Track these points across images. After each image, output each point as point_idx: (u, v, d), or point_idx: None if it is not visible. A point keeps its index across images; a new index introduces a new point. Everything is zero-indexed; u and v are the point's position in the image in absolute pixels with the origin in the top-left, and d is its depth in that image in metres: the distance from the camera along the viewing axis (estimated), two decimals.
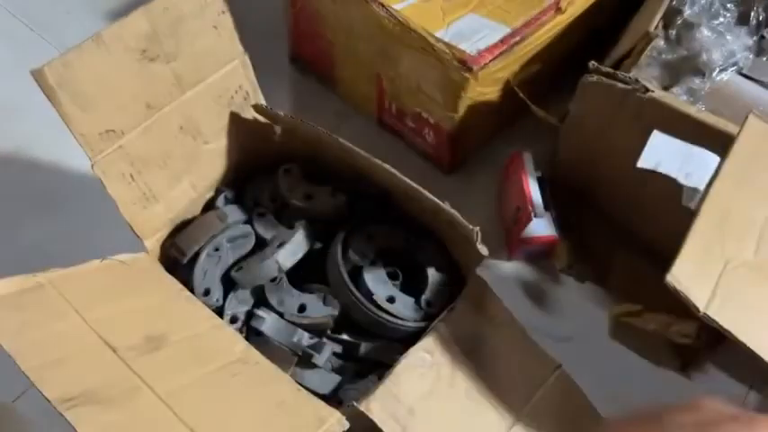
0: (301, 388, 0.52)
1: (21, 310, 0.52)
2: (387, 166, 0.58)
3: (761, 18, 0.85)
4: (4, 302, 0.52)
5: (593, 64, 0.73)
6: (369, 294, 0.61)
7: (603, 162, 0.79)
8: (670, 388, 0.75)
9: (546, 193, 0.79)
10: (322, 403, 0.51)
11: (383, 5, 0.77)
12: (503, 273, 0.83)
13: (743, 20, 0.86)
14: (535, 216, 0.75)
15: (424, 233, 0.68)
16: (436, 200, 0.57)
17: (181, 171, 0.62)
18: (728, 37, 0.83)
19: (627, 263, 0.82)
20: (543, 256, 0.83)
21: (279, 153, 0.71)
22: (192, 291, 0.60)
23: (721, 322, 0.51)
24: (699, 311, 0.51)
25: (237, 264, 0.64)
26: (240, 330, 0.59)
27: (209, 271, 0.63)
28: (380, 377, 0.55)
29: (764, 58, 0.84)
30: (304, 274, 0.65)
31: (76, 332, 0.52)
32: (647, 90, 0.69)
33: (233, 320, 0.60)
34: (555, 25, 0.81)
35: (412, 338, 0.58)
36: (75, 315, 0.53)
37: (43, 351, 0.51)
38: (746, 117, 0.60)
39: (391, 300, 0.61)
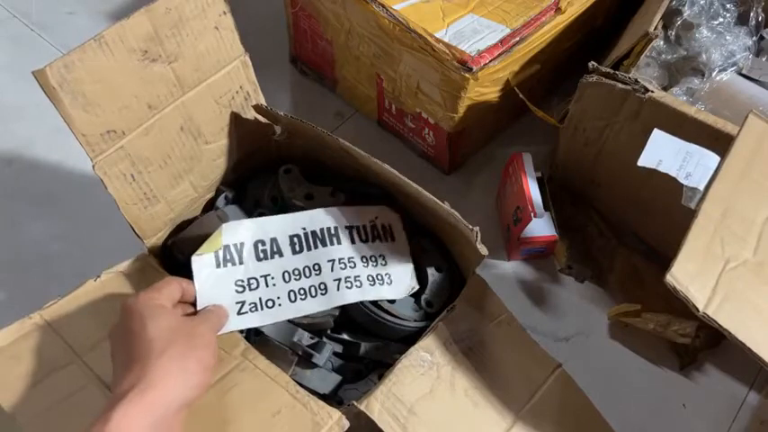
0: (301, 390, 0.52)
1: (17, 361, 0.53)
2: (387, 167, 0.59)
3: (760, 18, 0.85)
4: (1, 355, 0.53)
5: (592, 64, 0.73)
6: None
7: (603, 162, 0.79)
8: (670, 388, 0.75)
9: (546, 193, 0.79)
10: (321, 405, 0.51)
11: (383, 5, 0.77)
12: (503, 273, 0.83)
13: (742, 20, 0.86)
14: (535, 216, 0.75)
15: (423, 233, 0.68)
16: (436, 200, 0.58)
17: (181, 171, 0.62)
18: (728, 37, 0.83)
19: (627, 263, 0.82)
20: (543, 256, 0.83)
21: (279, 153, 0.71)
22: None
23: (720, 322, 0.51)
24: (698, 311, 0.51)
25: None
26: (241, 330, 0.59)
27: None
28: (380, 377, 0.55)
29: (764, 59, 0.85)
30: None
31: (73, 374, 0.53)
32: (647, 90, 0.69)
33: None
34: (555, 25, 0.81)
35: (412, 338, 0.58)
36: (72, 355, 0.54)
37: (39, 400, 0.52)
38: (746, 117, 0.60)
39: (391, 300, 0.62)
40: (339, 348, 0.61)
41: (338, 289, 0.60)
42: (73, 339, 0.55)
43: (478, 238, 0.56)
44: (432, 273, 0.65)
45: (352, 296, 0.60)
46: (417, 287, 0.63)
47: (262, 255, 0.60)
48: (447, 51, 0.74)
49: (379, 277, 0.62)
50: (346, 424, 0.51)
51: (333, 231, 0.63)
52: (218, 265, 0.58)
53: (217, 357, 0.51)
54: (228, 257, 0.59)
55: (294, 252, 0.61)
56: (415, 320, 0.61)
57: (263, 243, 0.61)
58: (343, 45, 0.88)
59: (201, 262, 0.58)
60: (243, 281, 0.59)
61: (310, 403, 0.52)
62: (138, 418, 0.43)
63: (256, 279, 0.59)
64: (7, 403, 0.51)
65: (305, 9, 0.89)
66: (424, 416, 0.53)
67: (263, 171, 0.71)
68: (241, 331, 0.59)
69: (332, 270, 0.61)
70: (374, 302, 0.61)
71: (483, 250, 0.57)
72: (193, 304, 0.56)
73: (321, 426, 0.50)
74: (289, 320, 0.60)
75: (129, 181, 0.58)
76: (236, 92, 0.63)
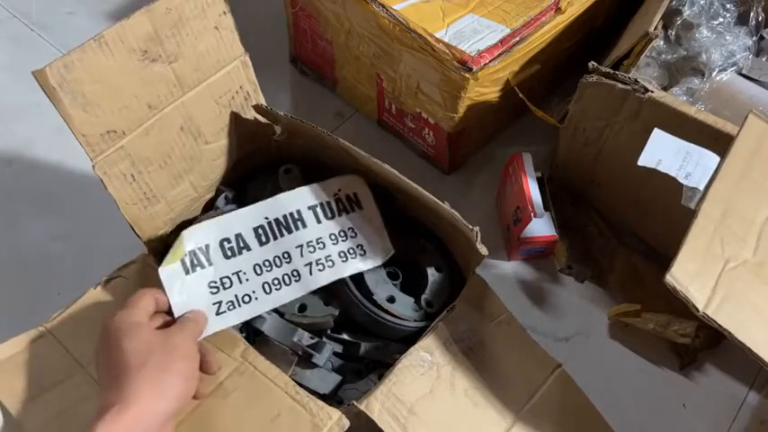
0: (300, 391, 0.52)
1: (22, 371, 0.54)
2: (387, 167, 0.59)
3: (760, 18, 0.85)
4: (6, 367, 0.54)
5: (592, 64, 0.73)
6: (369, 294, 0.61)
7: (603, 162, 0.79)
8: (670, 388, 0.75)
9: (546, 193, 0.79)
10: (320, 406, 0.52)
11: (383, 5, 0.77)
12: (503, 273, 0.83)
13: (742, 20, 0.86)
14: (535, 216, 0.75)
15: (423, 233, 0.68)
16: (436, 200, 0.58)
17: (181, 171, 0.62)
18: (728, 37, 0.83)
19: (627, 263, 0.82)
20: (543, 256, 0.83)
21: (279, 153, 0.71)
22: None
23: (720, 322, 0.51)
24: (698, 311, 0.51)
25: None
26: (240, 330, 0.59)
27: None
28: (380, 377, 0.55)
29: (764, 59, 0.85)
30: None
31: (77, 385, 0.54)
32: (647, 90, 0.69)
33: None
34: (555, 26, 0.81)
35: (412, 338, 0.58)
36: (75, 366, 0.55)
37: (45, 410, 0.53)
38: (746, 117, 0.60)
39: (391, 300, 0.62)
40: (339, 348, 0.61)
41: (311, 273, 0.60)
42: (75, 349, 0.55)
43: (478, 238, 0.56)
44: (432, 273, 0.65)
45: (325, 277, 0.60)
46: (393, 251, 0.63)
47: (229, 252, 0.60)
48: (447, 51, 0.74)
49: (351, 251, 0.62)
50: (346, 424, 0.51)
51: (296, 215, 0.62)
52: (186, 272, 0.58)
53: (196, 366, 0.52)
54: (196, 262, 0.59)
55: (261, 244, 0.61)
56: (415, 320, 0.61)
57: (229, 241, 0.61)
58: (343, 45, 0.88)
59: (169, 272, 0.57)
60: (215, 281, 0.59)
61: (310, 404, 0.52)
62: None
63: (229, 277, 0.59)
64: (15, 411, 0.52)
65: (305, 9, 0.89)
66: (424, 416, 0.53)
67: (263, 171, 0.71)
68: (241, 331, 0.59)
69: (302, 255, 0.61)
70: (374, 302, 0.61)
71: (483, 250, 0.57)
72: (169, 313, 0.56)
73: (321, 427, 0.50)
74: (289, 320, 0.60)
75: (129, 181, 0.58)
76: (236, 92, 0.63)
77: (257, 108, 0.65)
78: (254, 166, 0.71)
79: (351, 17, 0.82)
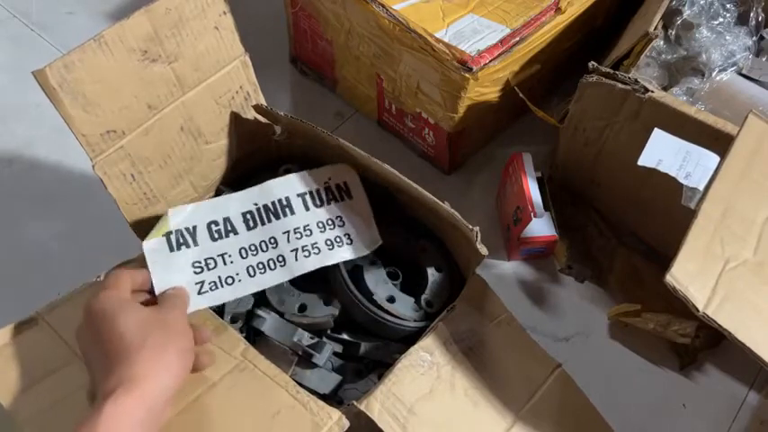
0: (301, 390, 0.52)
1: (15, 360, 0.53)
2: (387, 167, 0.59)
3: (760, 18, 0.85)
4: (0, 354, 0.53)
5: (592, 64, 0.73)
6: (369, 294, 0.61)
7: (603, 162, 0.79)
8: (670, 388, 0.75)
9: (546, 193, 0.79)
10: (320, 405, 0.51)
11: (383, 5, 0.77)
12: (503, 273, 0.83)
13: (742, 20, 0.86)
14: (535, 216, 0.75)
15: (423, 233, 0.68)
16: (436, 200, 0.58)
17: (181, 171, 0.62)
18: (728, 37, 0.83)
19: (627, 263, 0.82)
20: (543, 256, 0.83)
21: (279, 153, 0.71)
22: None
23: (720, 322, 0.51)
24: (698, 311, 0.51)
25: None
26: (241, 330, 0.59)
27: None
28: (380, 377, 0.55)
29: (764, 59, 0.85)
30: (305, 274, 0.65)
31: (72, 374, 0.53)
32: (647, 90, 0.69)
33: (233, 320, 0.60)
34: (555, 26, 0.81)
35: (412, 338, 0.58)
36: (71, 355, 0.54)
37: (38, 400, 0.52)
38: (746, 117, 0.60)
39: (391, 299, 0.62)
40: (339, 348, 0.61)
41: (296, 259, 0.60)
42: (70, 338, 0.54)
43: (478, 238, 0.56)
44: (432, 273, 0.65)
45: (311, 264, 0.60)
46: (381, 242, 0.63)
47: (216, 235, 0.60)
48: (447, 51, 0.74)
49: (338, 239, 0.62)
50: (346, 424, 0.51)
51: (285, 202, 0.62)
52: (171, 249, 0.58)
53: (192, 341, 0.51)
54: (182, 241, 0.59)
55: (249, 228, 0.61)
56: (415, 320, 0.61)
57: (217, 223, 0.61)
58: (343, 45, 0.88)
59: (152, 246, 0.57)
60: (200, 261, 0.59)
61: (310, 403, 0.52)
62: (127, 414, 0.43)
63: (213, 258, 0.59)
64: (6, 402, 0.51)
65: (305, 9, 0.90)
66: (423, 416, 0.53)
67: (263, 171, 0.71)
68: (241, 331, 0.59)
69: (288, 241, 0.61)
70: (374, 302, 0.61)
71: (483, 250, 0.57)
72: (149, 291, 0.56)
73: (321, 426, 0.50)
74: (289, 320, 0.60)
75: (129, 181, 0.58)
76: (236, 92, 0.63)
77: (257, 108, 0.65)
78: (254, 166, 0.71)
79: (351, 17, 0.82)
